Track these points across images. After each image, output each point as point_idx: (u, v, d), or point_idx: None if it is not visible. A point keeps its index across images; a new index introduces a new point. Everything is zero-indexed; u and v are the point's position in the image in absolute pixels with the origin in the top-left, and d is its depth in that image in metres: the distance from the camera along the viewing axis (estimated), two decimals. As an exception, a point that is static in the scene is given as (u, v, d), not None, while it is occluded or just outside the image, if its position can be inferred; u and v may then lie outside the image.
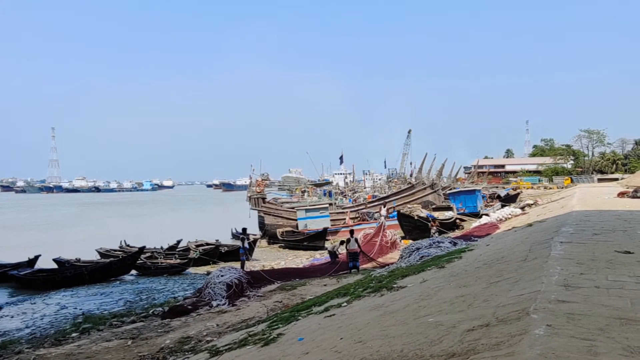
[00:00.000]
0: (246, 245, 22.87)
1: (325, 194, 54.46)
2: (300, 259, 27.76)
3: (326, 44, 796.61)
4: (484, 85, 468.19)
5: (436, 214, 33.36)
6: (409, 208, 34.14)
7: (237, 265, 20.63)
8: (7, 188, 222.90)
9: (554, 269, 5.77)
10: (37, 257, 24.31)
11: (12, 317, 15.41)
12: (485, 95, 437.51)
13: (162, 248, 28.09)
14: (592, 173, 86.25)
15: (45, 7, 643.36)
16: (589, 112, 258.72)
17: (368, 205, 43.33)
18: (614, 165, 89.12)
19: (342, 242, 18.98)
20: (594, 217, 13.51)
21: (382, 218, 33.19)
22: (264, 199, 41.69)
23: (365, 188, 74.41)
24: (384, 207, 37.98)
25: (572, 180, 78.56)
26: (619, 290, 4.62)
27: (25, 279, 21.75)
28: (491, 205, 41.57)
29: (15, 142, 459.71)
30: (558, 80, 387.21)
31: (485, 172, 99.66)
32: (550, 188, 72.13)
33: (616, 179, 64.40)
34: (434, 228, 26.31)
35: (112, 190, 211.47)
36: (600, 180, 73.41)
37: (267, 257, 29.39)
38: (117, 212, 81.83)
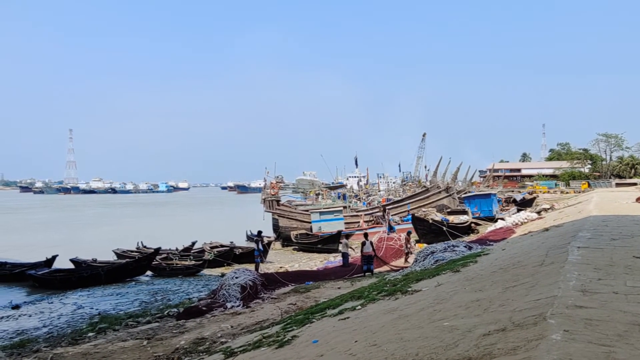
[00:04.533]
0: (260, 247, 22.95)
1: (339, 197, 54.47)
2: (314, 261, 27.79)
3: (340, 47, 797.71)
4: (499, 88, 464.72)
5: (451, 218, 33.17)
6: (424, 212, 34.05)
7: (252, 267, 20.71)
8: (26, 189, 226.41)
9: (571, 274, 5.71)
10: (54, 257, 24.62)
11: (30, 316, 15.65)
12: (500, 99, 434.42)
13: (177, 249, 28.30)
14: (609, 177, 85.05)
15: (63, 10, 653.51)
16: (607, 116, 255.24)
17: (381, 209, 43.27)
18: (633, 170, 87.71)
19: (362, 244, 18.81)
20: (612, 222, 13.34)
21: (387, 217, 33.19)
22: (278, 201, 41.83)
23: (379, 191, 74.27)
24: (384, 212, 37.98)
25: (589, 185, 77.56)
26: (638, 296, 4.56)
27: (43, 279, 22.05)
28: (507, 210, 41.18)
29: (34, 143, 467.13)
30: (575, 83, 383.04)
31: (500, 176, 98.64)
32: (567, 192, 71.31)
33: (635, 184, 63.53)
34: (408, 246, 22.48)
35: (128, 192, 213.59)
36: (618, 184, 72.40)
37: (281, 260, 29.46)
38: (141, 212, 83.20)
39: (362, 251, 18.61)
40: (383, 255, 21.84)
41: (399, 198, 49.46)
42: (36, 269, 23.22)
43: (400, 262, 21.39)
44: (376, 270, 18.71)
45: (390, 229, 30.29)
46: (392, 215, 37.52)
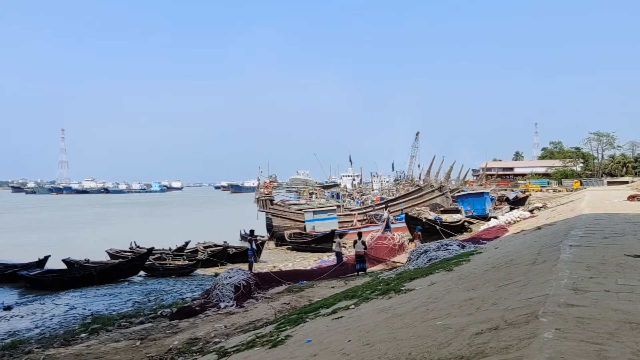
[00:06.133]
0: (254, 246, 22.91)
1: (332, 196, 54.42)
2: (308, 260, 27.78)
3: (334, 46, 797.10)
4: (492, 87, 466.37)
5: (444, 217, 33.26)
6: (417, 210, 34.10)
7: (245, 266, 20.66)
8: (18, 189, 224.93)
9: (563, 273, 5.74)
10: (46, 258, 24.48)
11: (22, 317, 15.55)
12: (493, 98, 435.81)
13: (170, 249, 28.19)
14: (601, 176, 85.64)
15: (56, 10, 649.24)
16: (599, 115, 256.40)
17: (376, 208, 43.28)
18: (624, 168, 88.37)
19: (354, 242, 18.97)
20: (604, 220, 13.42)
21: (386, 213, 33.15)
22: (271, 200, 41.74)
23: (373, 190, 74.30)
24: (386, 209, 37.92)
25: (581, 183, 78.06)
26: (629, 294, 4.59)
27: (35, 280, 21.91)
28: (500, 208, 41.35)
29: (26, 143, 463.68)
30: (567, 82, 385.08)
31: (493, 175, 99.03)
32: (560, 191, 71.72)
33: (626, 182, 63.98)
34: (417, 241, 24.00)
35: (121, 192, 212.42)
36: (610, 183, 72.95)
37: (274, 259, 29.45)
38: (135, 212, 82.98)
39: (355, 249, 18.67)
40: (374, 253, 21.86)
41: (393, 197, 49.51)
42: (28, 270, 23.07)
43: (394, 260, 21.41)
44: (370, 269, 18.73)
45: (387, 227, 30.35)
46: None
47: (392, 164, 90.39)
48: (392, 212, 40.55)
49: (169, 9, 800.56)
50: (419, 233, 24.43)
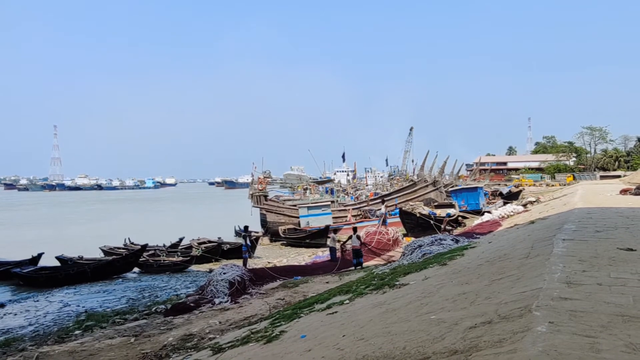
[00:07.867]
0: (248, 242, 22.88)
1: (327, 192, 54.43)
2: (303, 256, 27.76)
3: (328, 42, 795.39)
4: (485, 83, 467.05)
5: (438, 212, 33.29)
6: (411, 205, 34.13)
7: (240, 262, 20.64)
8: (10, 186, 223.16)
9: (556, 266, 5.76)
10: (40, 255, 24.34)
11: (16, 314, 15.50)
12: (486, 93, 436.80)
13: (164, 246, 28.11)
14: (594, 170, 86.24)
15: (48, 6, 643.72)
16: (592, 109, 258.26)
17: (370, 203, 43.29)
18: (617, 163, 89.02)
19: (349, 237, 19.10)
20: (597, 214, 13.49)
21: (383, 208, 33.17)
22: (266, 196, 41.69)
23: (367, 186, 74.40)
24: (383, 204, 37.92)
25: (574, 178, 78.50)
26: (621, 288, 4.62)
27: (28, 277, 21.79)
28: (493, 203, 41.43)
29: (18, 140, 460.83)
30: (560, 77, 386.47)
31: (487, 170, 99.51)
32: (553, 185, 72.06)
33: (619, 176, 64.34)
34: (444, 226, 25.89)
35: (114, 188, 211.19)
36: (602, 177, 73.39)
37: (269, 255, 29.41)
38: (129, 208, 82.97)
39: (343, 245, 18.78)
40: (372, 248, 21.90)
41: (387, 192, 49.55)
42: (21, 267, 22.93)
43: (388, 255, 21.45)
44: (365, 264, 18.77)
45: (383, 222, 30.32)
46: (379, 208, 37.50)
47: (386, 159, 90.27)
48: (387, 207, 40.66)
49: (161, 5, 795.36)
50: (448, 219, 25.29)
